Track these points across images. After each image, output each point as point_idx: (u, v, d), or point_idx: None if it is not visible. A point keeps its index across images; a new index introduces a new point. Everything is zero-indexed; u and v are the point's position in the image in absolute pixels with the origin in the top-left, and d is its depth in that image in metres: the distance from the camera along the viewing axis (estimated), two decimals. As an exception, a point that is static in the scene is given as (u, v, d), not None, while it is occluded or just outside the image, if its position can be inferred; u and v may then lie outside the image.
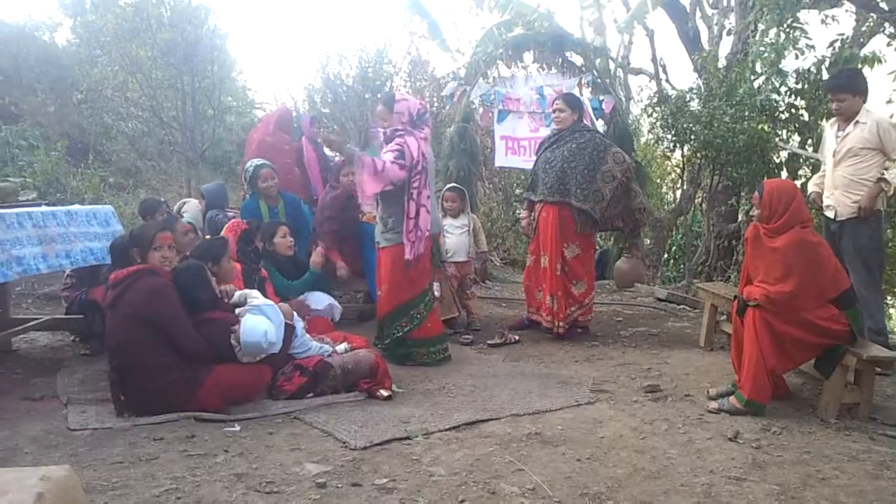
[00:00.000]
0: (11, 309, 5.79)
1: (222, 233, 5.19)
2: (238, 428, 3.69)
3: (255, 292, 4.27)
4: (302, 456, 3.29)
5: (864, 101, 5.03)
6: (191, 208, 6.30)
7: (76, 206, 5.52)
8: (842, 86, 5.06)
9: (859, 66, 8.30)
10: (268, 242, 5.38)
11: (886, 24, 9.44)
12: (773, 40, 8.70)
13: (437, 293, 6.05)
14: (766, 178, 8.84)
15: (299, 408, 4.00)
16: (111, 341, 3.90)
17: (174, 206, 6.53)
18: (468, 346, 5.89)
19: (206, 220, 6.21)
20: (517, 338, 6.02)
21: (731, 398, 4.12)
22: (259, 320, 3.98)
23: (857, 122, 4.99)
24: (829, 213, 5.22)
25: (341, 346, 4.49)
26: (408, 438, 3.54)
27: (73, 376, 4.70)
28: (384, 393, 4.24)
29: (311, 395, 4.16)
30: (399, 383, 4.54)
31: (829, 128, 5.31)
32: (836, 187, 5.13)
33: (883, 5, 7.43)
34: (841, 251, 5.00)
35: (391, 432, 3.61)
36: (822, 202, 5.32)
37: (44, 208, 5.17)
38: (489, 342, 5.91)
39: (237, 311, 4.06)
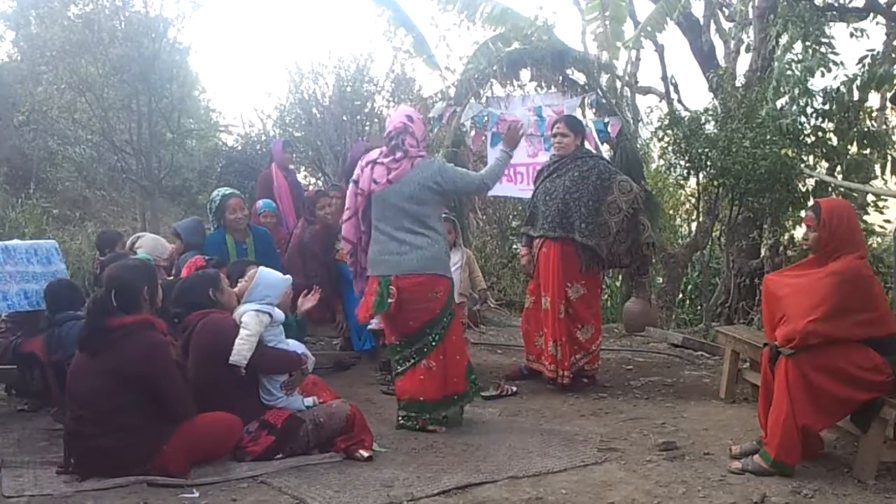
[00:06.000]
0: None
1: (182, 273, 5.17)
2: (197, 494, 3.65)
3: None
4: (270, 526, 3.25)
5: None
6: (146, 244, 6.27)
7: (15, 242, 5.50)
8: None
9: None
10: (234, 285, 5.35)
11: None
12: (797, 56, 8.82)
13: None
14: (791, 209, 8.94)
15: (267, 471, 3.96)
16: (79, 388, 3.89)
17: (127, 240, 6.50)
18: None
19: (181, 261, 6.13)
20: (515, 389, 6.00)
21: (756, 457, 4.10)
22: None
23: None
24: None
25: (308, 401, 4.46)
26: (391, 505, 3.51)
27: (9, 435, 4.65)
28: (364, 453, 4.20)
29: (280, 455, 4.12)
30: (381, 441, 4.51)
31: None
32: None
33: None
34: None
35: (371, 498, 3.58)
36: None
37: (-22, 244, 5.16)
38: (483, 394, 5.86)
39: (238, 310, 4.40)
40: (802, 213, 9.02)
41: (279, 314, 4.45)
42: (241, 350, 4.16)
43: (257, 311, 4.30)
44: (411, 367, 4.94)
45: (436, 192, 4.93)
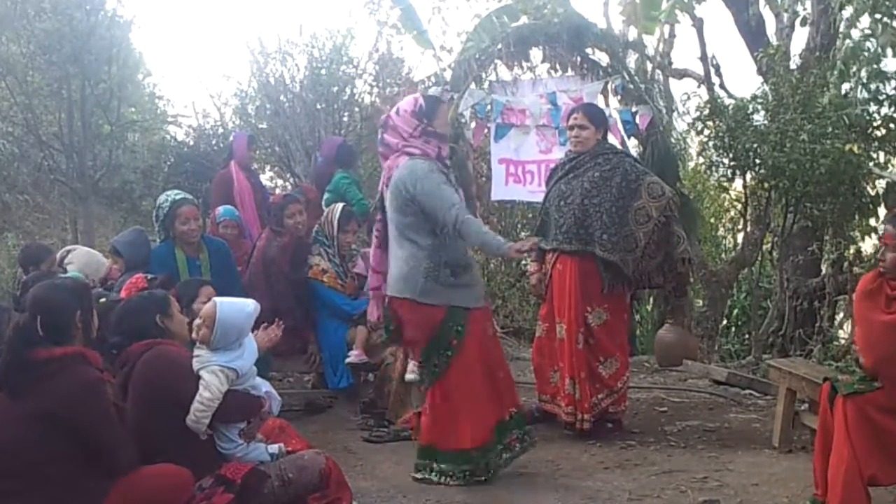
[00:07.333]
0: None
1: (121, 293, 5.18)
2: (139, 564, 3.65)
3: None
4: None
5: None
6: (78, 259, 6.30)
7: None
8: None
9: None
10: (186, 309, 5.35)
11: None
12: (866, 31, 8.84)
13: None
14: (858, 216, 8.94)
15: (223, 535, 3.97)
16: None
17: (56, 255, 6.53)
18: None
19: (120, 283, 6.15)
20: (524, 436, 6.01)
21: (817, 518, 4.12)
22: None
23: None
24: None
25: (273, 447, 4.45)
26: (374, 577, 3.52)
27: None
28: (341, 514, 4.21)
29: (239, 517, 4.12)
30: (362, 500, 4.52)
31: None
32: None
33: None
34: None
35: (351, 569, 3.58)
36: None
37: None
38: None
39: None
40: (873, 223, 9.07)
41: (246, 365, 4.38)
42: (200, 417, 4.10)
43: (221, 368, 4.22)
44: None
45: (408, 201, 4.98)
